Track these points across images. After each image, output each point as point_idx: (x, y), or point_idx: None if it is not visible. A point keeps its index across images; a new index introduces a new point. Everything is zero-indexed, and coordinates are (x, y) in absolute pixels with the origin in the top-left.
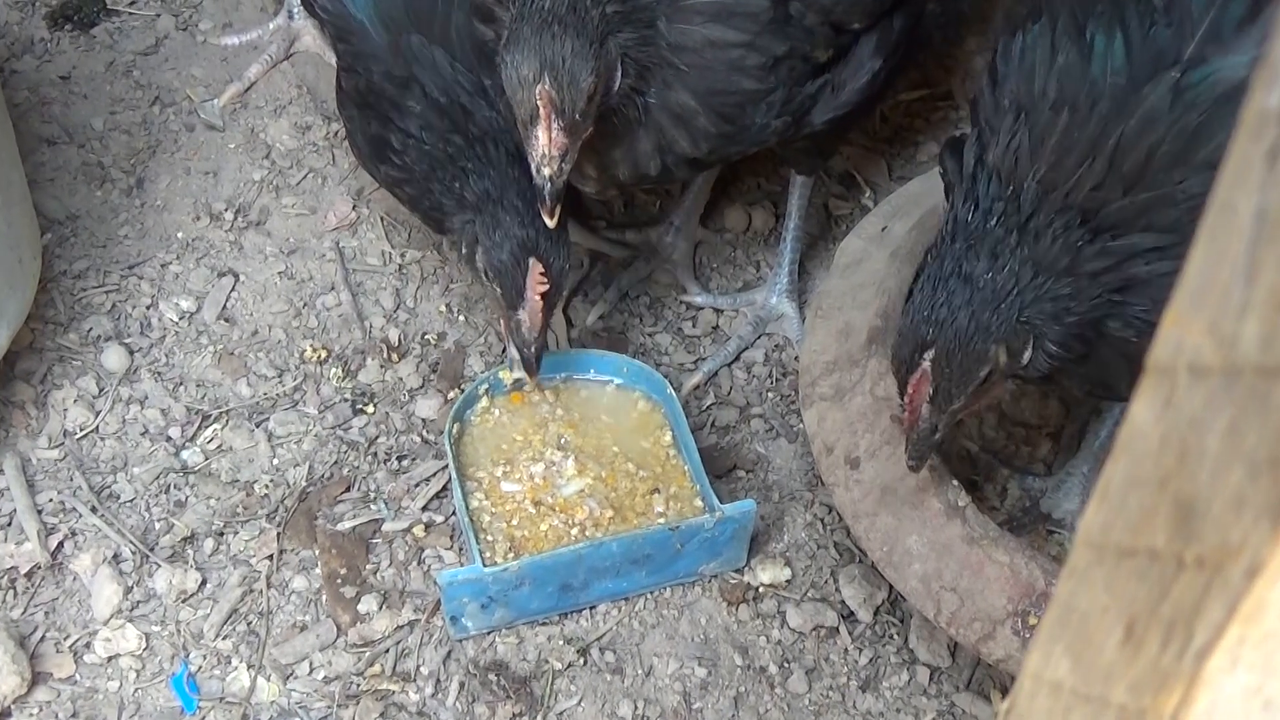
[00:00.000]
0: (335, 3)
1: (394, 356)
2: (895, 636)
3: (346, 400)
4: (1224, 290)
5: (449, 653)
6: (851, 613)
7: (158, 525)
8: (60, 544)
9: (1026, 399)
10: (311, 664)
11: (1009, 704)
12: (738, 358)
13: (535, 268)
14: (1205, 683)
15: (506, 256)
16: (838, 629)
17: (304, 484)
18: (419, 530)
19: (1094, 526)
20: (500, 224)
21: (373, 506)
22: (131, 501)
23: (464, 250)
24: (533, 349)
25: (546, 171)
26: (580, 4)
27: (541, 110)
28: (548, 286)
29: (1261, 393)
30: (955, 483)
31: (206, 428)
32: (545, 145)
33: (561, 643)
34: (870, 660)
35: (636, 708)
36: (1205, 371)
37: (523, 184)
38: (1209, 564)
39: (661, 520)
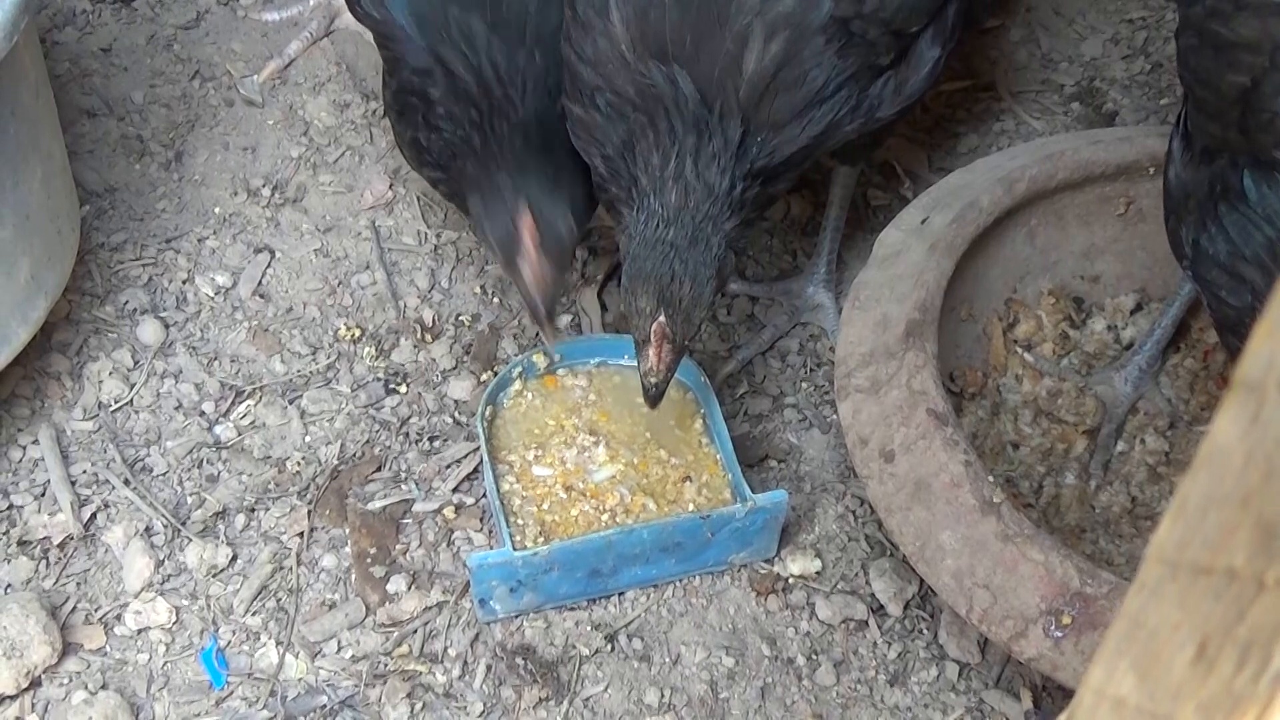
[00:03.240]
0: (380, 8)
1: (428, 337)
2: (925, 631)
3: (379, 379)
4: None
5: (477, 635)
6: (881, 606)
7: (190, 499)
8: (93, 516)
9: (1063, 396)
10: (339, 642)
11: (1068, 716)
12: (772, 346)
13: (526, 216)
14: None
15: (505, 218)
16: (867, 622)
17: (335, 462)
18: (449, 512)
19: (1169, 542)
20: (496, 193)
21: (403, 487)
22: (164, 475)
23: (478, 230)
24: (539, 300)
25: (653, 380)
26: (701, 233)
27: (654, 339)
28: (535, 235)
29: None
30: (990, 479)
31: (240, 403)
32: (654, 362)
33: (589, 628)
34: (899, 655)
35: (663, 695)
36: None
37: (519, 152)
38: None
39: (692, 508)
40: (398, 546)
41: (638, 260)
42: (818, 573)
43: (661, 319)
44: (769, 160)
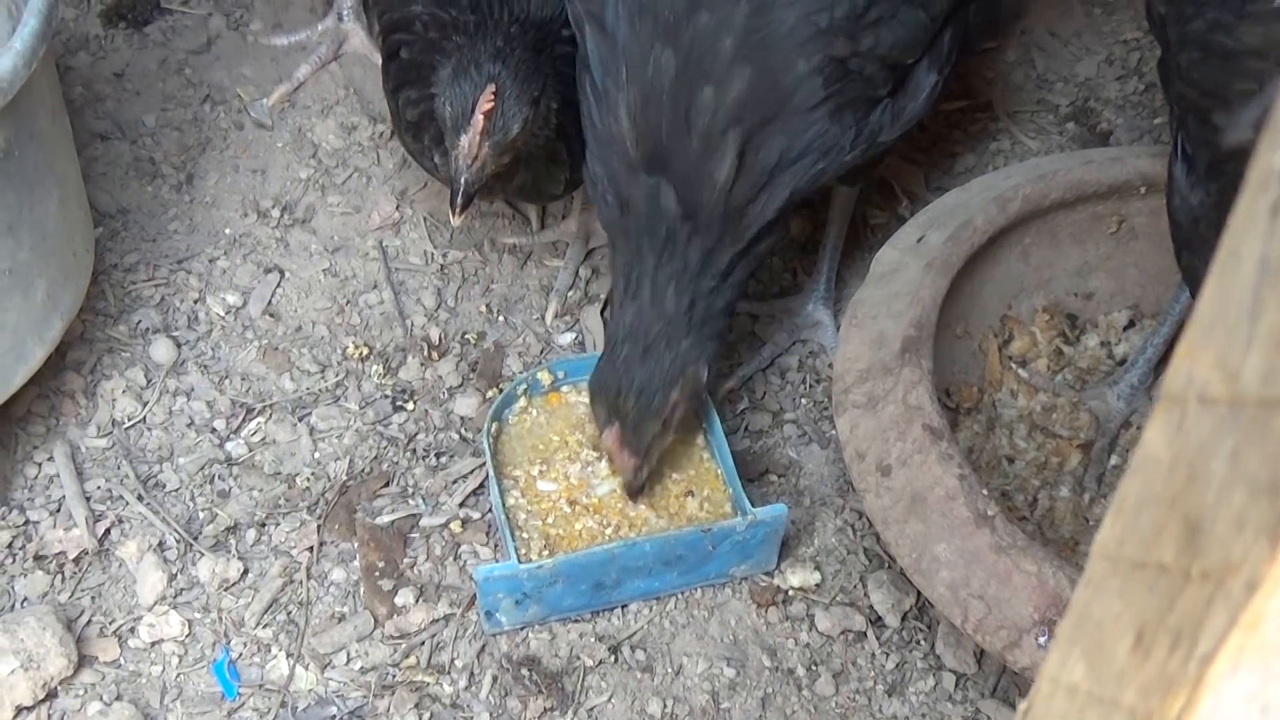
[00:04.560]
0: None
1: (434, 355)
2: (922, 642)
3: (387, 397)
4: (1230, 328)
5: (483, 647)
6: (879, 618)
7: (202, 515)
8: (107, 531)
9: (1058, 411)
10: (349, 654)
11: (1027, 705)
12: (772, 363)
13: (488, 92)
14: (1208, 687)
15: (467, 85)
16: (865, 633)
17: (344, 478)
18: (456, 526)
19: (1110, 540)
20: (474, 55)
21: (411, 501)
22: (177, 491)
23: (437, 102)
24: (464, 178)
25: (626, 479)
26: (653, 352)
27: (611, 446)
28: (489, 109)
29: (1262, 422)
30: (985, 492)
31: (250, 420)
32: (620, 465)
33: (593, 640)
34: (897, 665)
35: (665, 706)
36: (1212, 401)
37: (511, 32)
38: (1213, 577)
39: (694, 522)
40: (405, 560)
41: (597, 371)
42: (817, 585)
43: (615, 427)
44: (737, 247)
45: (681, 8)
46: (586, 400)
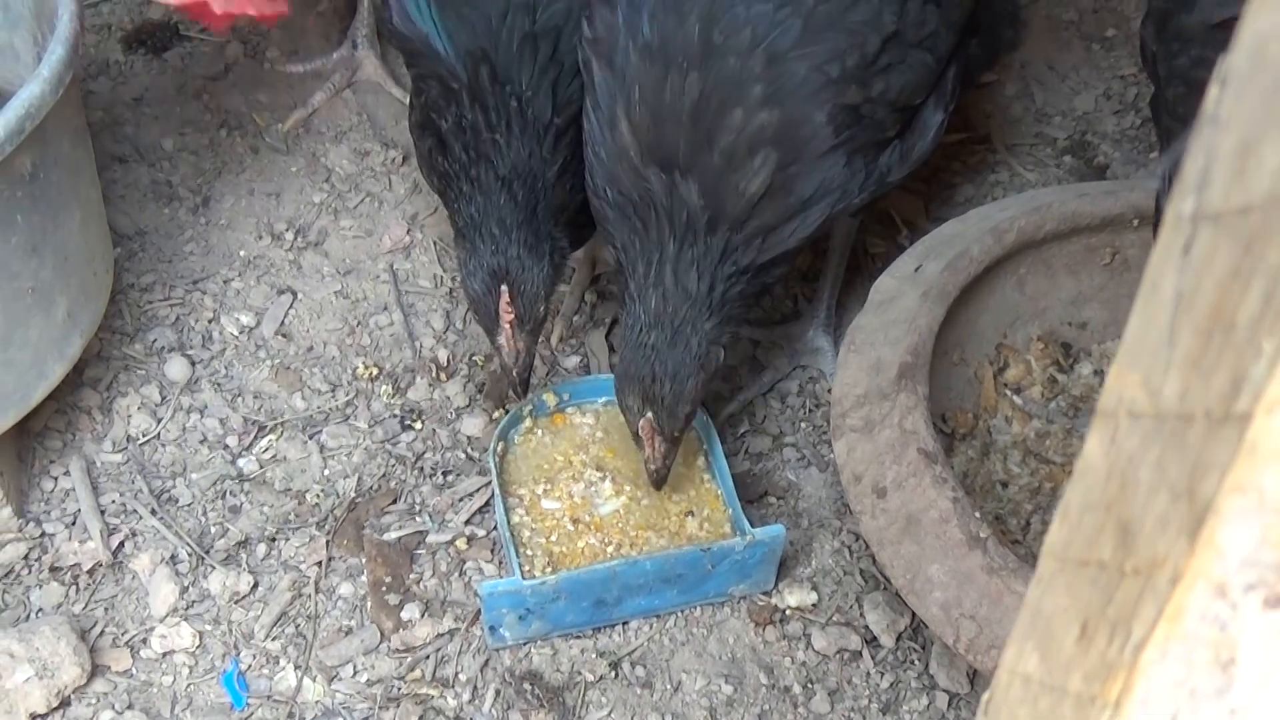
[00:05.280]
0: (407, 22)
1: (442, 376)
2: (916, 662)
3: (396, 416)
4: (1153, 351)
5: (486, 661)
6: (875, 637)
7: (213, 529)
8: (121, 544)
9: (1051, 438)
10: (355, 667)
11: (989, 694)
12: (773, 388)
13: (504, 295)
14: (1141, 673)
15: (479, 285)
16: (861, 653)
17: (353, 495)
18: (461, 543)
19: (1057, 541)
20: (476, 251)
21: (418, 518)
22: (189, 505)
23: (460, 275)
24: (514, 373)
25: (653, 468)
26: (680, 335)
27: (644, 434)
28: (513, 314)
29: (1180, 434)
30: (978, 515)
31: (262, 438)
32: (650, 454)
33: (594, 655)
34: (891, 684)
35: None
36: (1139, 416)
37: (504, 211)
38: (1143, 573)
39: (694, 542)
40: (412, 576)
41: (624, 362)
42: (814, 605)
43: (649, 415)
44: (755, 257)
45: (696, 54)
46: (591, 421)
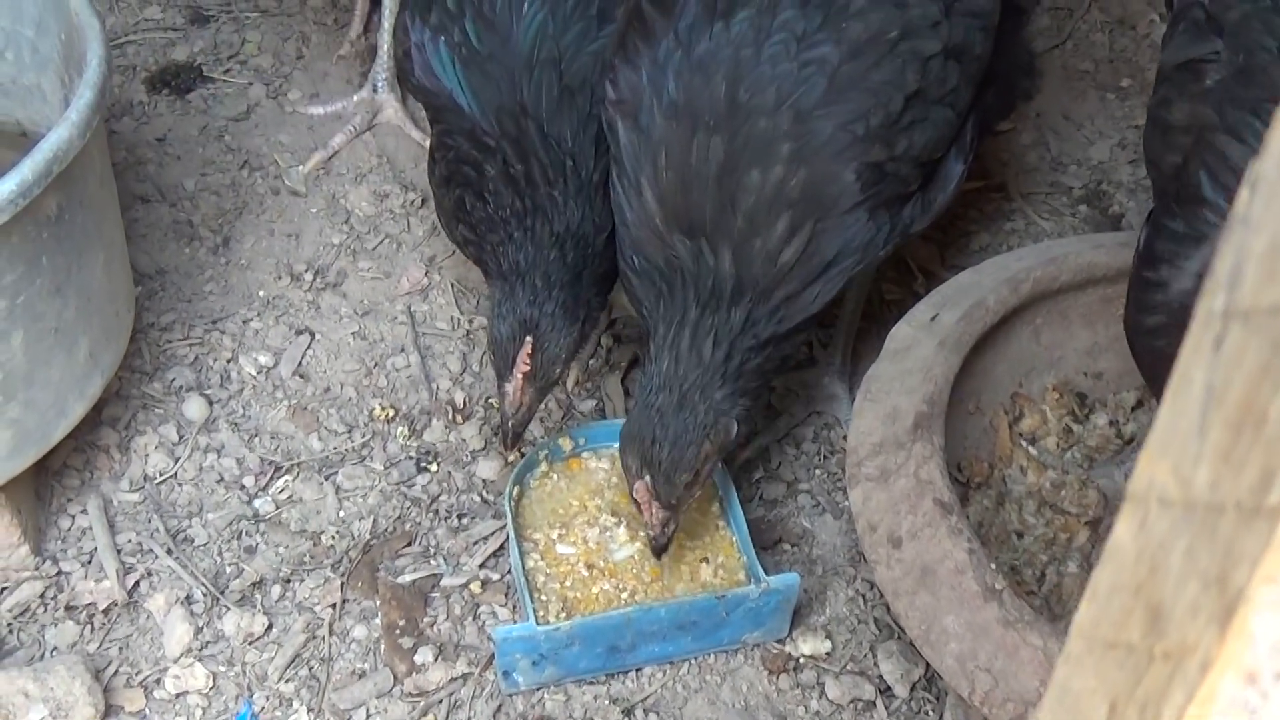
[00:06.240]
0: (430, 77)
1: (458, 418)
2: (930, 713)
3: (411, 458)
4: (1183, 442)
5: (499, 706)
6: (889, 687)
7: (229, 570)
8: (136, 583)
9: (1067, 488)
10: (368, 710)
11: None
12: (788, 434)
13: (527, 346)
14: None
15: (506, 330)
16: (874, 702)
17: (368, 537)
18: (476, 586)
19: (1086, 621)
20: (513, 297)
21: (432, 561)
22: (205, 546)
23: (488, 317)
24: (510, 423)
25: (652, 534)
26: (687, 401)
27: (640, 498)
28: (529, 368)
29: (1211, 524)
30: (993, 566)
31: (278, 478)
32: (648, 519)
33: (607, 702)
34: None
35: None
36: (1170, 504)
37: (552, 267)
38: (1173, 658)
39: (708, 589)
40: (426, 619)
41: (630, 421)
42: (828, 653)
43: (646, 479)
44: (776, 329)
45: (723, 113)
46: (606, 466)
